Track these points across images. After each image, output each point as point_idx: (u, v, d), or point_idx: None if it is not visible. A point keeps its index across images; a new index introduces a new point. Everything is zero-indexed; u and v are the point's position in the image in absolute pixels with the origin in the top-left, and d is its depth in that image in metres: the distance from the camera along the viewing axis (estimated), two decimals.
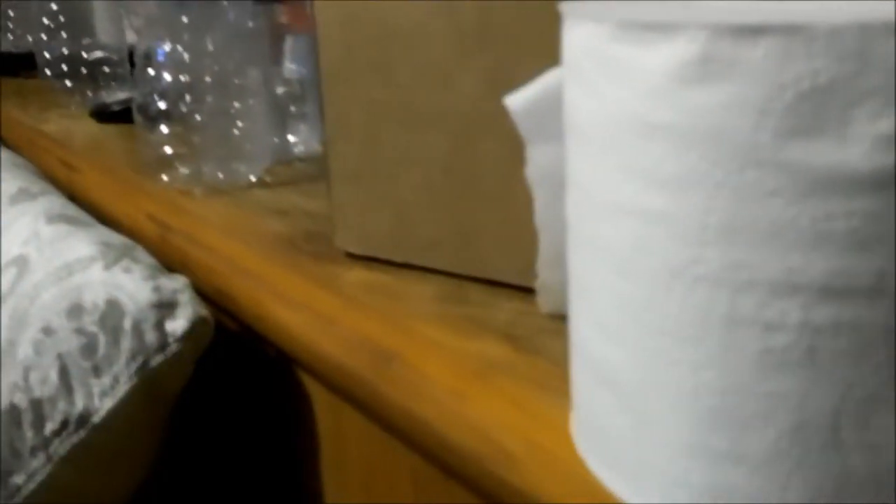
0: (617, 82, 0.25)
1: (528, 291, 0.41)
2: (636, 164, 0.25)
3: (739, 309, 0.24)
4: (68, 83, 1.07)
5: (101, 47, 1.07)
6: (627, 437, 0.27)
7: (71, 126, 0.96)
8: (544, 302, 0.40)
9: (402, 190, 0.47)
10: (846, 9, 0.23)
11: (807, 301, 0.23)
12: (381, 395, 0.40)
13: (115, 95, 1.02)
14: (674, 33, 0.23)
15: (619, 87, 0.25)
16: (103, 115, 0.97)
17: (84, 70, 1.06)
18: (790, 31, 0.22)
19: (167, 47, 0.67)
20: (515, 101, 0.33)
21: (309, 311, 0.46)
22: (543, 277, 0.38)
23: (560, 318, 0.33)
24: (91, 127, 0.96)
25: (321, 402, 0.49)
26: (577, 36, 0.27)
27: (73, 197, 0.73)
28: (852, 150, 0.22)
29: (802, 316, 0.23)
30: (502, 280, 0.45)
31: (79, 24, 1.07)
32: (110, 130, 0.93)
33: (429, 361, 0.39)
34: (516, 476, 0.32)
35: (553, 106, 0.31)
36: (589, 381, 0.29)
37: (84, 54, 1.06)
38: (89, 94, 1.05)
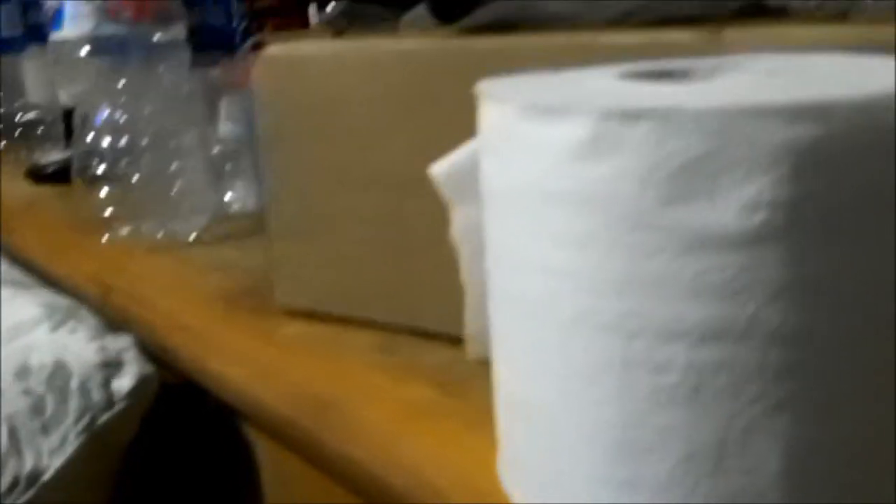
0: (522, 155, 0.28)
1: (458, 340, 0.44)
2: (541, 227, 0.28)
3: (633, 352, 0.27)
4: (2, 144, 1.08)
5: (34, 108, 1.09)
6: (544, 470, 0.30)
7: (6, 187, 0.97)
8: (472, 349, 0.43)
9: (339, 246, 0.50)
10: (712, 93, 0.27)
11: (690, 344, 0.26)
12: (320, 440, 0.43)
13: (50, 156, 1.04)
14: (568, 116, 0.27)
15: (524, 160, 0.28)
16: (39, 175, 0.98)
17: (17, 131, 1.07)
18: (664, 114, 0.25)
19: (105, 111, 0.70)
20: (438, 168, 0.36)
21: (250, 364, 0.49)
22: (471, 327, 0.41)
23: (487, 364, 0.36)
24: (26, 188, 0.97)
25: (264, 449, 0.51)
26: (488, 113, 0.30)
27: (11, 258, 0.74)
28: (722, 214, 0.25)
29: (687, 358, 0.26)
30: (434, 329, 0.48)
31: (10, 86, 1.09)
32: (46, 191, 0.94)
33: (364, 408, 0.42)
34: None
35: (472, 172, 0.34)
36: (510, 420, 0.32)
37: (17, 116, 1.07)
38: (23, 155, 1.07)
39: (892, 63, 0.30)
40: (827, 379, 0.26)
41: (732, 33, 0.37)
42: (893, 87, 0.27)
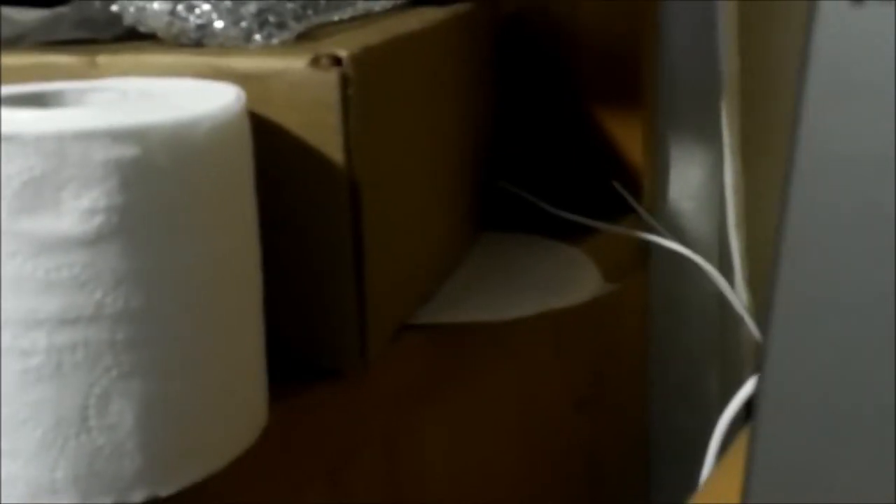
0: None
1: None
2: None
3: (3, 342, 0.31)
4: None
5: None
6: None
7: None
8: None
9: None
10: (57, 119, 0.32)
11: (50, 330, 0.31)
12: None
13: None
14: None
15: None
16: None
17: None
18: (8, 138, 0.30)
19: None
20: None
21: None
22: None
23: None
24: None
25: None
26: None
27: None
28: (65, 221, 0.31)
29: (48, 341, 0.31)
30: None
31: None
32: None
33: None
34: None
35: None
36: None
37: None
38: None
39: (223, 87, 0.38)
40: (167, 348, 0.33)
41: (105, 59, 0.42)
42: (208, 110, 0.34)
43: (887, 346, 0.25)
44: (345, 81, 0.41)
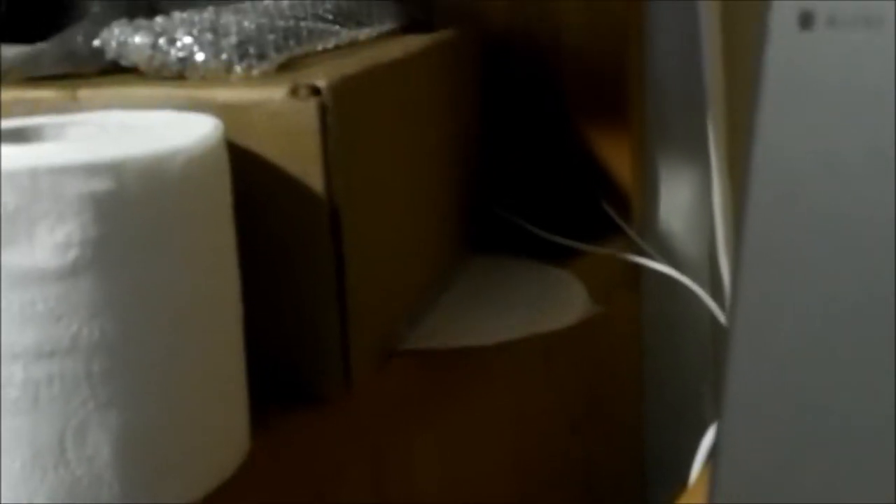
0: None
1: None
2: None
3: None
4: None
5: None
6: None
7: None
8: None
9: None
10: (31, 154, 0.33)
11: (26, 363, 0.32)
12: None
13: None
14: None
15: None
16: None
17: None
18: None
19: None
20: None
21: None
22: None
23: None
24: None
25: None
26: None
27: None
28: (39, 254, 0.31)
29: (24, 374, 0.32)
30: None
31: None
32: None
33: None
34: None
35: None
36: None
37: None
38: None
39: (201, 119, 0.38)
40: (143, 379, 0.33)
41: (87, 93, 0.43)
42: (184, 142, 0.34)
43: (848, 347, 0.26)
44: (323, 110, 0.41)
